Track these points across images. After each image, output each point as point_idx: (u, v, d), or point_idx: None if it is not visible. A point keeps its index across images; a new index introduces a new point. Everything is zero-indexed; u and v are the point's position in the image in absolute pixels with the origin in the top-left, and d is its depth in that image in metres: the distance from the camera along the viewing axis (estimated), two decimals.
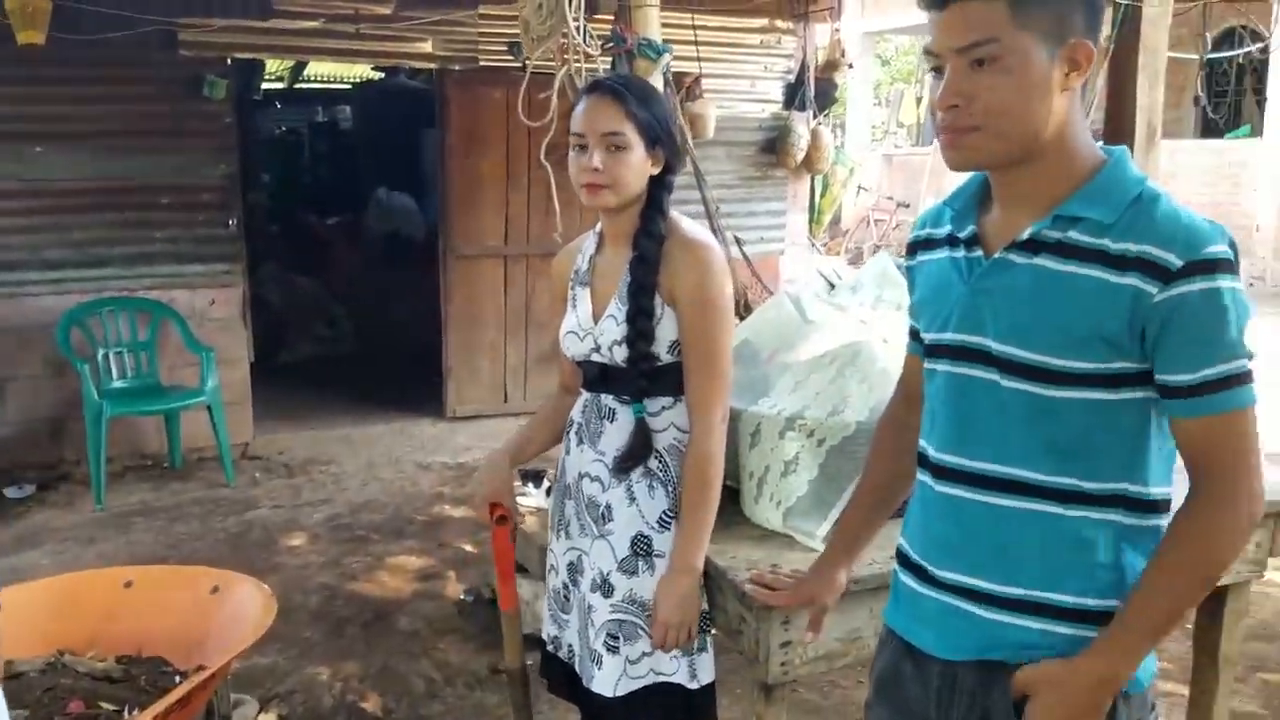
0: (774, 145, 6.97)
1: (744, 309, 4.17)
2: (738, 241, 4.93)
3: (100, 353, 5.24)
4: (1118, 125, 3.71)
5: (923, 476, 1.41)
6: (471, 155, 6.02)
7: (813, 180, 7.75)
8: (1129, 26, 3.61)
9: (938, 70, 1.23)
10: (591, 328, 1.98)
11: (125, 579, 2.68)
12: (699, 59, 6.07)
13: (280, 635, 3.67)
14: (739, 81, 6.83)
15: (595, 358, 1.98)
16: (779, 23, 6.79)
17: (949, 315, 1.34)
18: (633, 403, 1.93)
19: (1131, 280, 1.19)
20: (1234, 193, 11.81)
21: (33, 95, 5.06)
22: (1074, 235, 1.23)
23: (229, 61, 5.50)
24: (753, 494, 2.09)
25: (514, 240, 6.22)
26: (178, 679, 2.45)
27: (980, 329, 1.29)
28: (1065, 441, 1.25)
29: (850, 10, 10.34)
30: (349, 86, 11.47)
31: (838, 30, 7.19)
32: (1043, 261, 1.25)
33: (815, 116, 6.96)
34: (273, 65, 10.15)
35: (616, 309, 1.93)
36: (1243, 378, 1.19)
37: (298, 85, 11.39)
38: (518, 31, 3.52)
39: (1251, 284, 10.77)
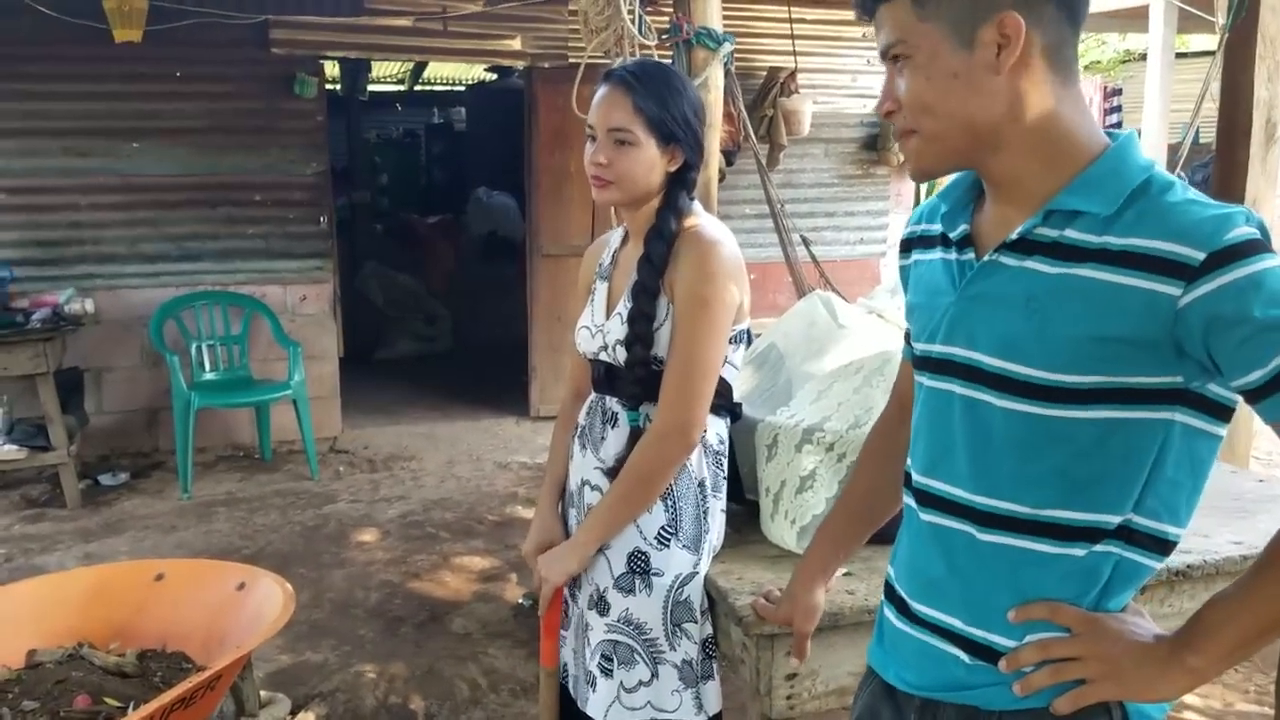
0: (876, 143, 6.70)
1: None
2: (805, 242, 4.70)
3: (194, 345, 5.38)
4: (1232, 122, 3.34)
5: (908, 500, 1.23)
6: (559, 153, 5.97)
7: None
8: (1245, 13, 3.25)
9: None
10: (603, 324, 1.87)
11: (157, 572, 2.67)
12: (795, 53, 5.86)
13: (335, 632, 3.67)
14: (839, 76, 6.58)
15: (603, 356, 1.87)
16: None
17: (938, 325, 1.16)
18: (629, 408, 1.80)
19: (1143, 281, 1.00)
20: None
21: (130, 93, 5.24)
22: (1071, 234, 1.05)
23: (321, 60, 5.58)
24: (768, 510, 1.92)
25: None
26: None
27: (971, 341, 1.11)
28: (1066, 468, 1.06)
29: None
30: (464, 89, 11.64)
31: None
32: (1036, 264, 1.07)
33: None
34: (392, 68, 10.36)
35: (624, 307, 1.82)
36: None
37: (417, 88, 11.61)
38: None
39: None
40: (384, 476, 5.45)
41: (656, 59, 2.80)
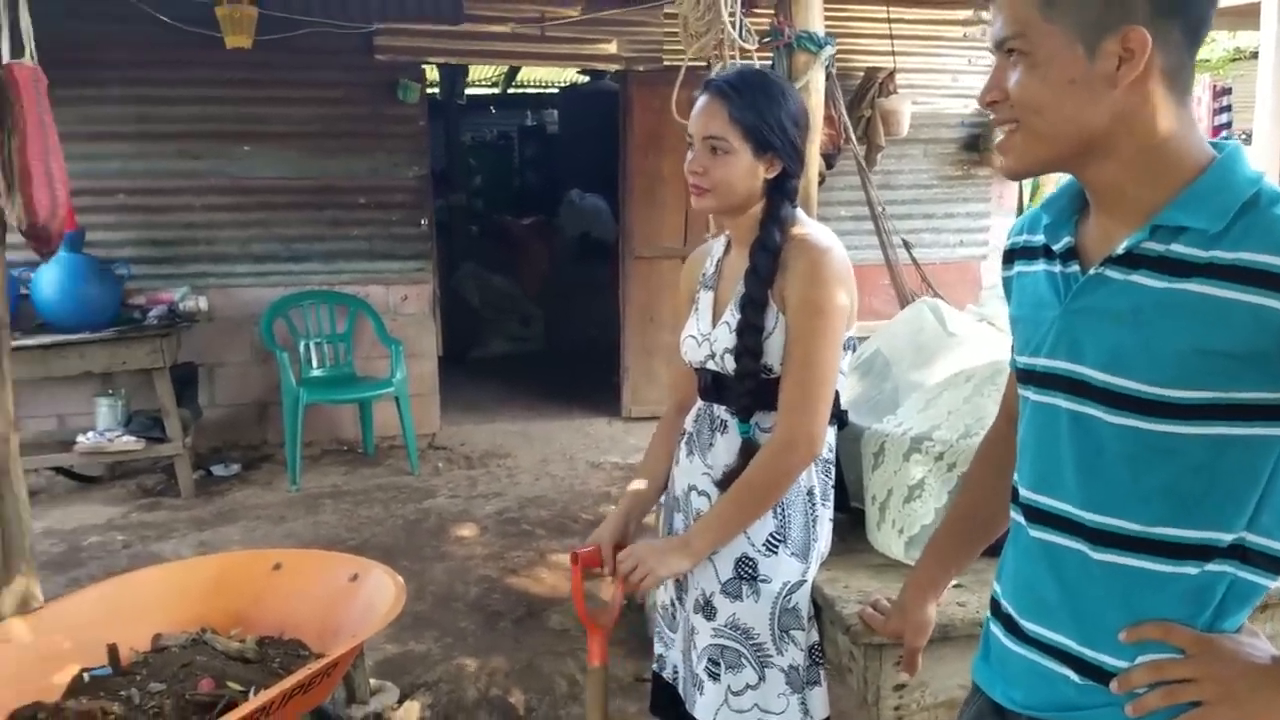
0: (977, 143, 6.57)
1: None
2: (906, 245, 4.65)
3: (302, 343, 5.57)
4: None
5: (1015, 515, 1.22)
6: (652, 155, 6.01)
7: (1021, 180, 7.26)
8: None
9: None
10: (709, 333, 1.89)
11: (274, 562, 2.78)
12: (894, 53, 5.80)
13: (438, 624, 3.76)
14: (939, 76, 6.48)
15: (710, 365, 1.89)
16: (984, 14, 6.38)
17: (1043, 338, 1.15)
18: (741, 418, 1.82)
19: (1251, 296, 0.98)
20: None
21: (240, 97, 5.44)
22: (1178, 248, 1.04)
23: (422, 66, 5.71)
24: (875, 519, 1.91)
25: (694, 241, 6.13)
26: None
27: (1077, 355, 1.10)
28: (1177, 485, 1.05)
29: None
30: (557, 91, 11.77)
31: None
32: (1142, 279, 1.06)
33: None
34: (486, 71, 10.54)
35: (731, 316, 1.84)
36: None
37: (511, 90, 11.77)
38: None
39: None
40: (481, 473, 5.56)
41: (758, 66, 2.81)
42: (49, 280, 4.78)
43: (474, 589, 4.08)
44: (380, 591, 2.61)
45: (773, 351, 1.79)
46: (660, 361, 6.31)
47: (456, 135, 9.57)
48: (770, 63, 3.23)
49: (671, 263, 6.17)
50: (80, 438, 5.02)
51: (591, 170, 9.41)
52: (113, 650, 2.47)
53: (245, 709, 1.97)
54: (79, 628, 2.49)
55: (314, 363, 5.62)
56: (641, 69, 5.76)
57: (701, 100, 1.83)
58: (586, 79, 9.63)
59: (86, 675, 2.39)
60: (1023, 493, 1.20)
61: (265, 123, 5.50)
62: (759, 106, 1.79)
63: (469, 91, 10.34)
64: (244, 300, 5.59)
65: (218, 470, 5.46)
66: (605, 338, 6.78)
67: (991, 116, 1.13)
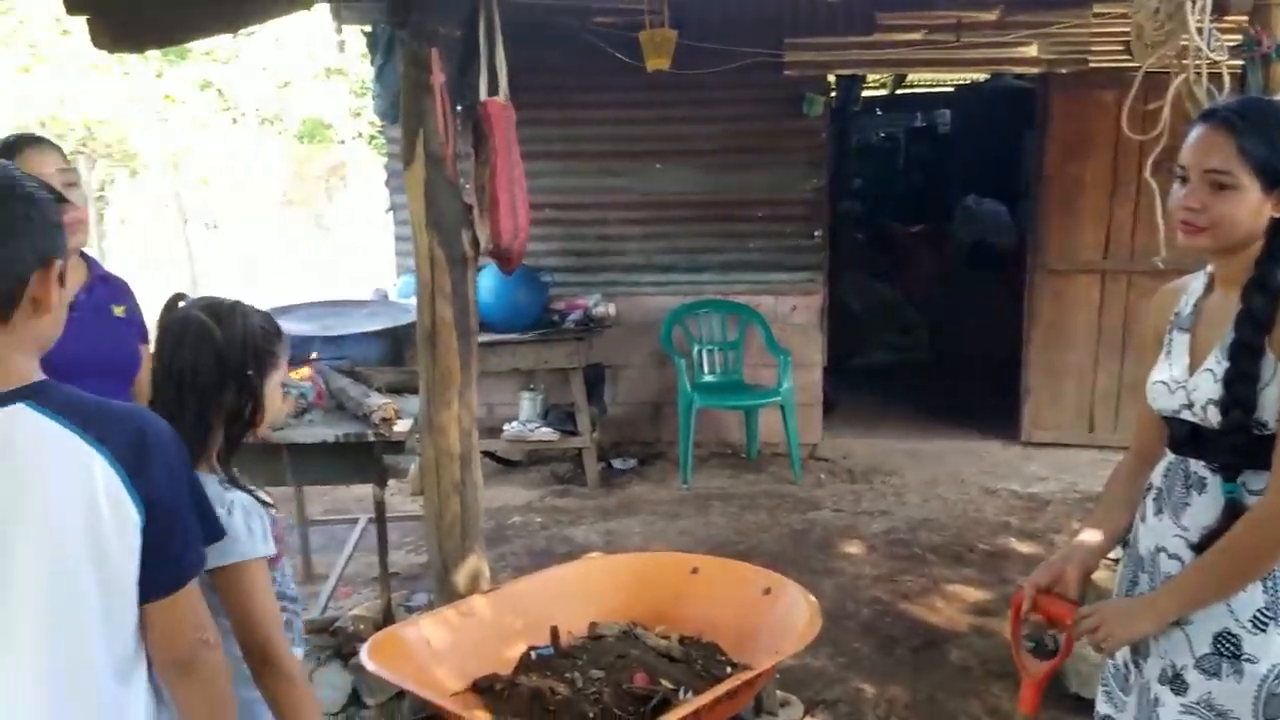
0: None
1: None
2: None
3: (695, 349, 5.81)
4: None
5: None
6: (1072, 162, 5.60)
7: None
8: None
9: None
10: (1185, 380, 1.73)
11: (692, 566, 2.91)
12: None
13: (830, 641, 3.74)
14: None
15: (1185, 415, 1.72)
16: None
17: None
18: (1225, 477, 1.64)
19: None
20: None
21: (657, 117, 5.75)
22: None
23: (829, 78, 5.72)
24: None
25: (1114, 255, 5.66)
26: (729, 669, 2.59)
27: None
28: None
29: None
30: (949, 90, 11.34)
31: None
32: None
33: None
34: (877, 74, 10.38)
35: (1215, 363, 1.67)
36: None
37: (898, 91, 11.52)
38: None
39: None
40: (864, 489, 5.49)
41: (1260, 96, 2.54)
42: (487, 286, 5.33)
43: (865, 610, 4.02)
44: (795, 609, 2.65)
45: (1268, 405, 1.60)
46: (1070, 384, 5.86)
47: (847, 142, 9.50)
48: (1241, 74, 2.89)
49: (1088, 278, 5.72)
50: (506, 427, 5.59)
51: (988, 174, 8.97)
52: (554, 633, 2.71)
53: (684, 710, 2.07)
54: (527, 608, 2.75)
55: (706, 368, 5.83)
56: (1064, 71, 5.39)
57: (1200, 130, 1.67)
58: (985, 77, 9.19)
59: (533, 653, 2.63)
60: None
61: (675, 140, 5.78)
62: (1272, 138, 1.62)
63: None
64: (647, 307, 5.92)
65: (617, 464, 5.84)
66: (999, 353, 6.42)
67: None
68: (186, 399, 1.67)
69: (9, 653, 1.26)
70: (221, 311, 1.72)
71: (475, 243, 3.20)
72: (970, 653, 3.64)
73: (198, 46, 15.04)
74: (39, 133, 3.39)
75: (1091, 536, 1.92)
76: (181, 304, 1.75)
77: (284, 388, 3.56)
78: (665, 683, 2.40)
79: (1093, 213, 5.63)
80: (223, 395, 1.69)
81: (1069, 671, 3.11)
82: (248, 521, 1.64)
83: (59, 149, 2.38)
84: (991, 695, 3.34)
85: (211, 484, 1.64)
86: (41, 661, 1.26)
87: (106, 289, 2.43)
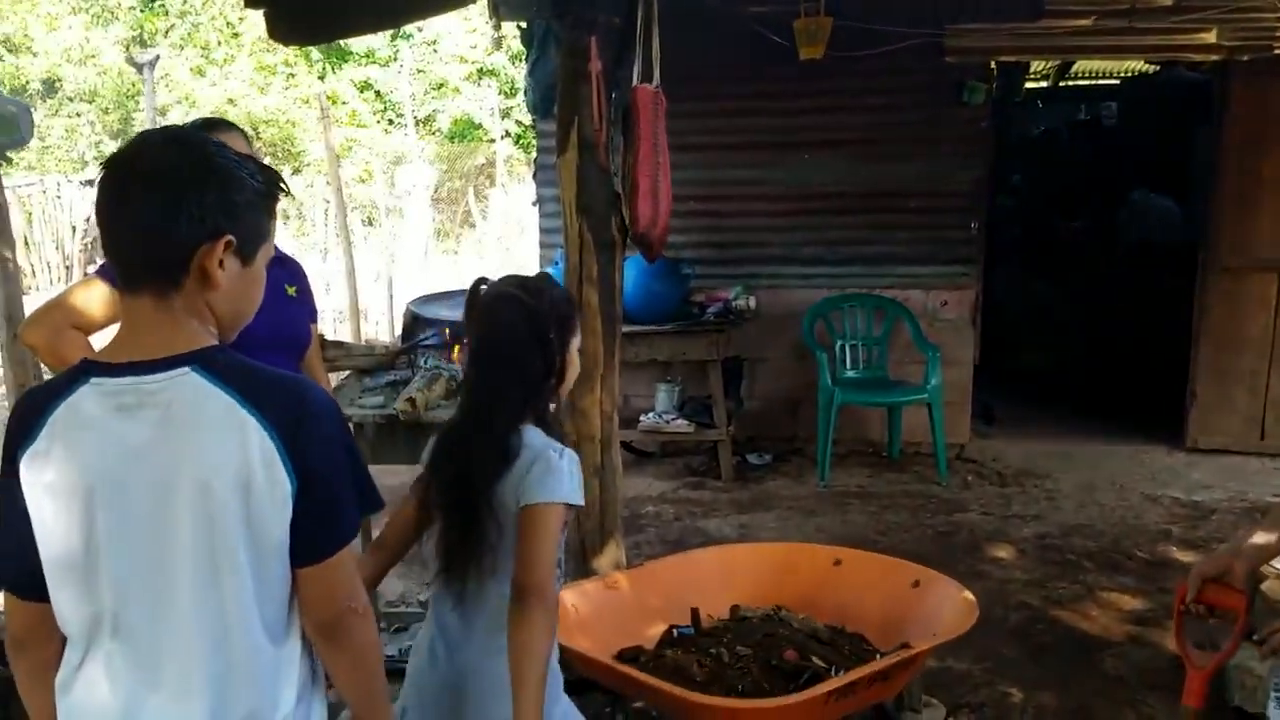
0: None
1: None
2: None
3: (838, 344, 5.69)
4: None
5: None
6: (1253, 156, 5.25)
7: None
8: None
9: None
10: None
11: (835, 557, 2.86)
12: None
13: (976, 645, 3.60)
14: None
15: None
16: None
17: None
18: None
19: None
20: None
21: (804, 108, 5.63)
22: None
23: (991, 66, 5.52)
24: None
25: None
26: (877, 656, 2.53)
27: None
28: None
29: None
30: (1116, 82, 10.81)
31: None
32: None
33: None
34: (1037, 65, 9.97)
35: None
36: None
37: (1061, 83, 11.03)
38: None
39: None
40: (1015, 492, 5.28)
41: None
42: (628, 277, 5.31)
43: (1014, 615, 3.86)
44: (947, 601, 2.56)
45: None
46: (1240, 388, 5.51)
47: (1008, 134, 9.14)
48: None
49: (1265, 277, 5.36)
50: (642, 417, 5.61)
51: (1159, 168, 8.49)
52: (695, 613, 2.70)
53: (841, 680, 2.05)
54: (667, 589, 2.75)
55: (848, 364, 5.71)
56: (1246, 59, 5.05)
57: None
58: (1155, 68, 8.72)
59: (675, 631, 2.63)
60: None
61: (825, 130, 5.64)
62: None
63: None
64: (789, 301, 5.82)
65: (752, 458, 5.78)
66: (1161, 354, 6.07)
67: None
68: (510, 363, 1.82)
69: (170, 607, 1.29)
70: (530, 286, 1.89)
71: (623, 228, 3.21)
72: (1126, 663, 3.45)
73: (358, 49, 15.77)
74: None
75: (1262, 538, 1.80)
76: (484, 285, 1.91)
77: (441, 369, 3.66)
78: (817, 661, 2.35)
79: (1271, 209, 5.29)
80: (539, 358, 1.84)
81: (1232, 683, 2.92)
82: (572, 468, 1.80)
83: (245, 135, 2.52)
84: (1148, 706, 3.16)
85: (537, 435, 1.82)
86: (199, 619, 1.29)
87: (283, 270, 2.55)
